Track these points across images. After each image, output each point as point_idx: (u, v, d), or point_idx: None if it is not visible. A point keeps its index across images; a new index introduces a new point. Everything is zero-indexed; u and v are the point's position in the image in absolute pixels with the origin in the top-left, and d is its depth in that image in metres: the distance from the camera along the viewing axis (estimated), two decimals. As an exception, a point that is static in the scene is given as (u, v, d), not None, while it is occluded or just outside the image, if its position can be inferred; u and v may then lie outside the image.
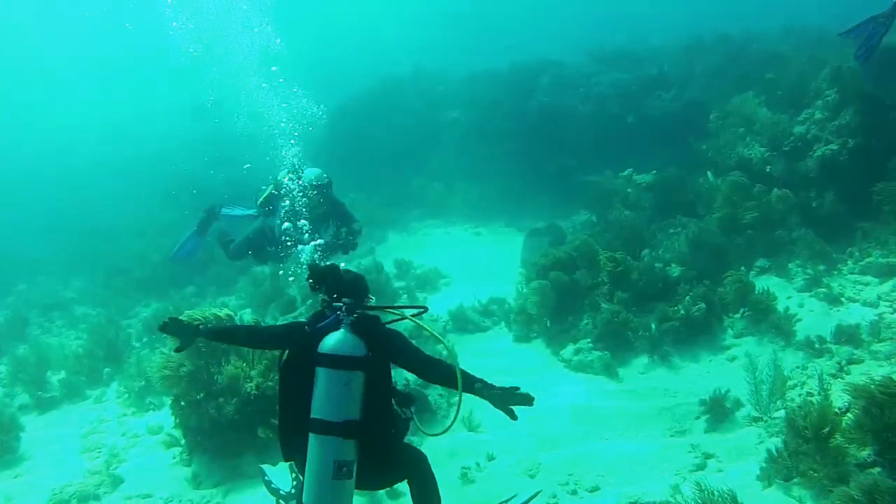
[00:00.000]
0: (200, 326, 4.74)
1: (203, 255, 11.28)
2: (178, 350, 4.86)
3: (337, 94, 23.53)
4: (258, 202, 8.59)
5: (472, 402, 8.06)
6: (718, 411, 6.79)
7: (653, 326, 8.59)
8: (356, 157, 19.48)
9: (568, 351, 8.69)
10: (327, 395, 3.78)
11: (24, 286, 16.81)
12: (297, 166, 8.38)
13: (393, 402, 4.19)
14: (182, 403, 7.20)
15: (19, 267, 17.55)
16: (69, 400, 9.86)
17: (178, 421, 7.31)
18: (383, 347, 3.95)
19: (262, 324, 8.91)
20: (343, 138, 20.35)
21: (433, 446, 6.98)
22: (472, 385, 3.90)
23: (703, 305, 8.45)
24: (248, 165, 9.16)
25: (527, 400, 3.81)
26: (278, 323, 8.49)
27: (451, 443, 7.13)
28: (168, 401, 7.69)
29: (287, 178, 8.27)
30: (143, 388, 9.11)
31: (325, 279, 4.17)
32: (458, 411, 4.16)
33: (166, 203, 18.33)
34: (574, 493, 6.02)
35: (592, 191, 13.93)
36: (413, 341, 4.17)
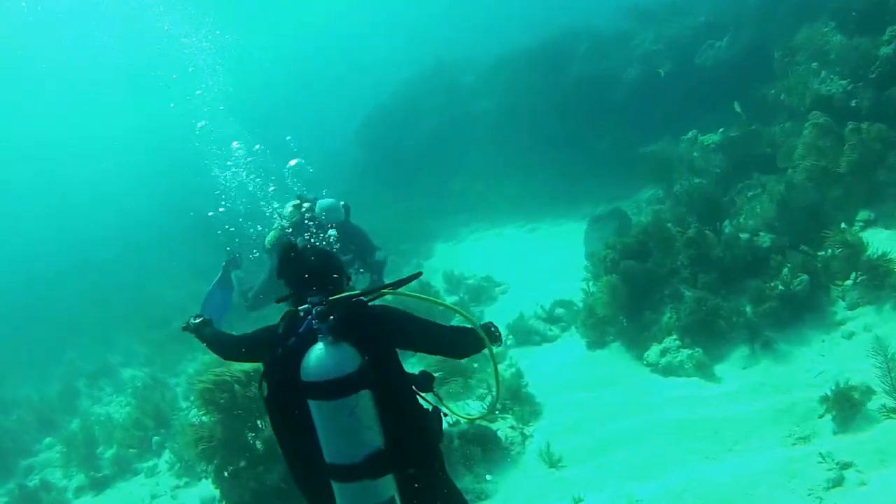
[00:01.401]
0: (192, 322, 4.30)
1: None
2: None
3: (361, 107, 23.17)
4: (266, 245, 8.01)
5: (547, 433, 7.39)
6: (845, 405, 5.81)
7: (748, 310, 7.66)
8: (390, 167, 19.09)
9: (652, 353, 7.82)
10: (334, 435, 3.04)
11: (73, 353, 16.86)
12: (304, 196, 7.79)
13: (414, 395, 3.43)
14: (225, 474, 6.65)
15: (64, 332, 17.62)
16: (121, 476, 9.75)
17: (221, 493, 6.75)
18: (381, 339, 3.22)
19: None
20: (373, 150, 20.02)
21: (509, 494, 6.29)
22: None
23: (804, 277, 7.47)
24: (221, 209, 8.71)
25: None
26: None
27: (529, 486, 6.38)
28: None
29: (293, 208, 7.69)
30: (211, 451, 8.72)
31: (284, 264, 3.42)
32: (498, 390, 3.91)
33: (191, 244, 18.17)
34: (684, 533, 5.18)
35: (653, 162, 13.00)
36: None
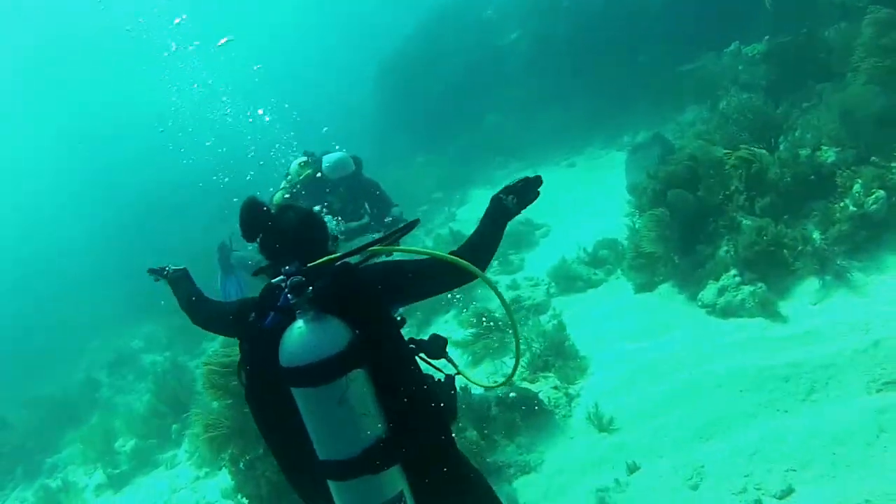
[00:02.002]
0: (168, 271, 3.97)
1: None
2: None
3: (376, 55, 22.26)
4: (276, 203, 7.44)
5: (595, 392, 6.73)
6: (941, 340, 5.04)
7: (815, 236, 6.81)
8: (414, 115, 18.33)
9: (708, 292, 7.04)
10: (325, 427, 2.58)
11: (97, 342, 16.74)
12: (311, 152, 7.14)
13: (420, 367, 2.95)
14: (241, 465, 6.17)
15: (88, 320, 17.51)
16: (141, 470, 9.44)
17: (236, 485, 6.29)
18: (373, 304, 2.76)
19: None
20: (394, 98, 19.22)
21: (557, 465, 5.69)
22: (488, 229, 3.12)
23: (880, 193, 6.56)
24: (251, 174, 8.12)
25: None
26: None
27: (579, 452, 5.76)
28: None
29: (300, 167, 7.06)
30: (221, 440, 8.31)
31: (254, 228, 2.91)
32: (517, 342, 3.24)
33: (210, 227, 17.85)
34: (758, 503, 4.48)
35: (695, 80, 11.98)
36: None
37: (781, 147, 8.14)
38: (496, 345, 8.08)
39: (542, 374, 6.98)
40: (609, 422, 5.89)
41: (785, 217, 7.22)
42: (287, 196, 7.22)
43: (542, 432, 6.15)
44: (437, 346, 3.10)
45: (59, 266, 22.25)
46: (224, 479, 7.77)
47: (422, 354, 3.06)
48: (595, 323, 7.93)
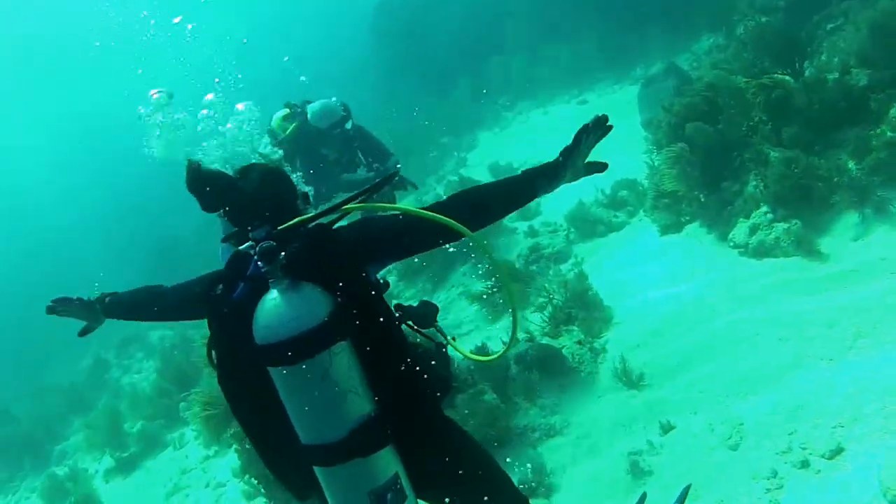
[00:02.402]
0: (98, 300, 3.39)
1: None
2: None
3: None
4: None
5: (623, 345, 6.39)
6: None
7: (851, 167, 6.34)
8: (414, 60, 17.70)
9: (739, 231, 6.62)
10: (308, 408, 2.33)
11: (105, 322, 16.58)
12: (292, 103, 6.70)
13: (407, 334, 2.72)
14: (247, 445, 5.93)
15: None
16: (150, 454, 9.32)
17: (242, 465, 6.07)
18: (355, 266, 2.47)
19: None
20: (393, 43, 18.57)
21: (584, 426, 5.39)
22: (512, 188, 2.77)
23: (921, 115, 6.09)
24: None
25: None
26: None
27: (607, 412, 5.45)
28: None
29: (283, 120, 6.64)
30: (220, 418, 8.05)
31: (215, 198, 2.58)
32: (514, 319, 2.92)
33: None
34: (805, 464, 4.14)
35: (708, 4, 11.31)
36: None
37: (806, 73, 7.60)
38: (517, 289, 7.72)
39: (564, 327, 6.63)
40: (639, 378, 5.56)
41: (816, 146, 6.74)
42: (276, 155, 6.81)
43: (567, 392, 5.84)
44: (426, 314, 2.83)
45: (62, 253, 22.03)
46: (234, 459, 7.58)
47: (410, 322, 2.80)
48: (619, 269, 7.55)
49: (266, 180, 2.65)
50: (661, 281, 6.86)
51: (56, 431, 12.09)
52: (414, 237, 2.60)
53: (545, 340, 6.47)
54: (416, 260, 10.16)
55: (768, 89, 7.06)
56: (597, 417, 5.41)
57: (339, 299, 2.34)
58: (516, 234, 9.70)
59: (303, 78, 7.98)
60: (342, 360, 2.30)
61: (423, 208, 2.55)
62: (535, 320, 6.81)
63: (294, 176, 2.83)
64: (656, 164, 7.96)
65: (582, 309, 6.71)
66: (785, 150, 6.70)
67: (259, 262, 2.37)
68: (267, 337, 2.28)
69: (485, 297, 7.94)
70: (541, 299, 7.04)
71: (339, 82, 20.82)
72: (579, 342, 6.29)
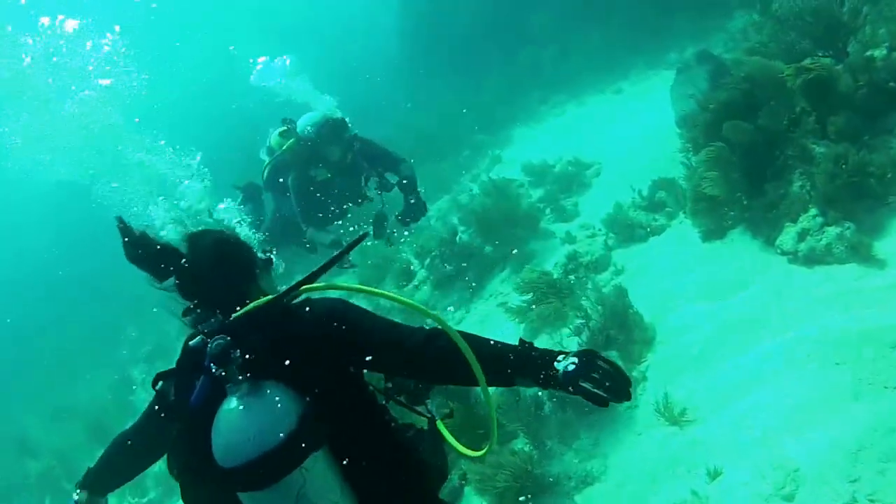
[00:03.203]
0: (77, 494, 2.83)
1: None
2: None
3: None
4: (263, 180, 6.73)
5: (664, 371, 5.98)
6: None
7: (908, 158, 5.80)
8: (443, 56, 17.27)
9: (787, 236, 6.10)
10: None
11: (134, 331, 16.59)
12: (290, 119, 6.44)
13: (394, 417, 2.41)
14: None
15: (128, 303, 17.24)
16: (169, 499, 9.11)
17: None
18: (326, 352, 2.17)
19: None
20: (418, 39, 18.24)
21: (623, 471, 5.01)
22: (520, 371, 2.18)
23: None
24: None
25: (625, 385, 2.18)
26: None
27: (648, 453, 5.06)
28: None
29: (281, 136, 6.42)
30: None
31: (160, 264, 2.27)
32: (495, 432, 2.44)
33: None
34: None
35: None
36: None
37: (851, 52, 7.01)
38: (551, 313, 7.36)
39: (603, 352, 6.22)
40: (682, 412, 5.15)
41: (865, 137, 6.19)
42: (270, 168, 6.55)
43: (605, 430, 5.46)
44: (418, 393, 2.56)
45: (85, 265, 22.12)
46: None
47: (400, 398, 2.53)
48: (660, 279, 7.11)
49: (219, 252, 2.36)
50: (705, 292, 6.41)
51: (76, 467, 12.04)
52: (391, 328, 2.28)
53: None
54: (448, 267, 9.83)
55: (808, 74, 6.52)
56: (637, 460, 5.03)
57: (308, 399, 2.06)
58: (553, 238, 9.31)
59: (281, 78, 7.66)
60: (317, 472, 2.01)
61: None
62: (571, 345, 6.43)
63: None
64: (693, 163, 7.46)
65: (621, 330, 6.31)
66: (832, 145, 6.18)
67: (215, 370, 2.06)
68: (228, 459, 1.99)
69: (522, 313, 7.59)
70: (578, 321, 6.64)
71: (365, 83, 20.58)
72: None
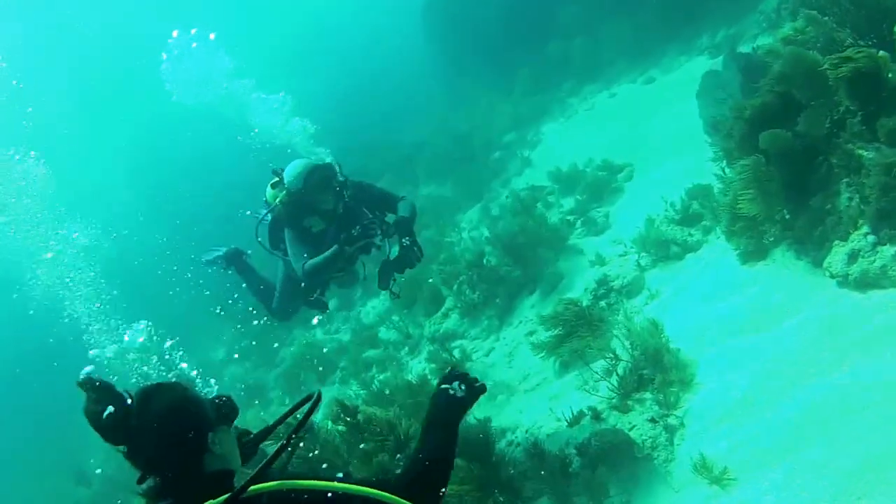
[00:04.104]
0: None
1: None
2: None
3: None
4: (268, 241, 6.40)
5: (704, 419, 5.45)
6: None
7: (971, 164, 5.15)
8: (470, 53, 16.85)
9: (836, 258, 5.49)
10: None
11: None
12: (279, 170, 6.10)
13: None
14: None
15: (173, 323, 17.28)
16: None
17: None
18: None
19: None
20: (446, 36, 17.80)
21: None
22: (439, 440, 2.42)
23: None
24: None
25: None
26: None
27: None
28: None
29: (272, 189, 6.11)
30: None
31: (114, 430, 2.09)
32: None
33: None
34: None
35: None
36: None
37: (898, 37, 6.32)
38: (582, 347, 6.88)
39: (635, 395, 5.74)
40: (724, 471, 4.64)
41: (923, 140, 5.54)
42: (268, 229, 6.23)
43: (639, 488, 5.00)
44: None
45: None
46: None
47: None
48: (698, 305, 6.58)
49: (167, 421, 2.11)
50: (748, 323, 5.86)
51: (128, 498, 11.99)
52: None
53: (613, 417, 5.60)
54: (475, 294, 9.44)
55: (851, 65, 5.86)
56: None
57: None
58: (582, 256, 8.81)
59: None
60: None
61: (364, 483, 2.07)
62: (601, 389, 5.94)
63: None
64: (728, 174, 6.86)
65: (656, 369, 5.79)
66: (883, 149, 5.54)
67: None
68: None
69: (550, 348, 7.14)
70: (602, 361, 6.16)
71: (392, 86, 20.21)
72: (653, 419, 5.38)
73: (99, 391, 2.10)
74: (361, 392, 9.04)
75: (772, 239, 6.37)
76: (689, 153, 8.91)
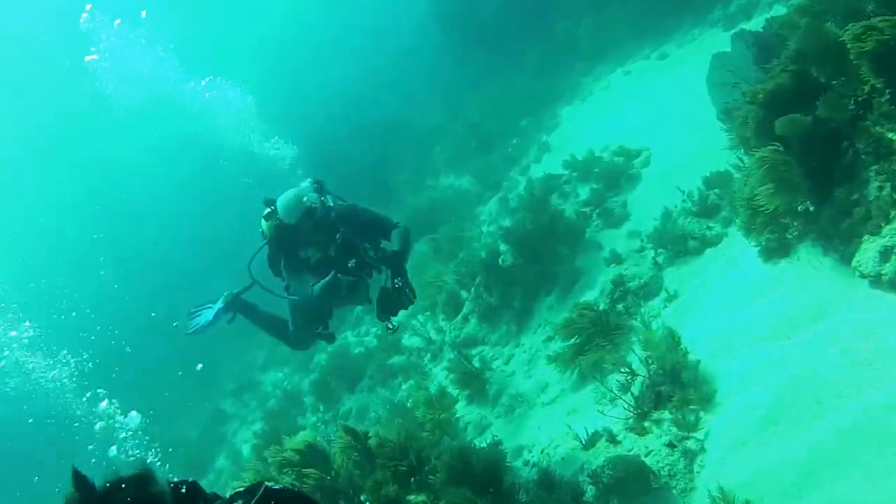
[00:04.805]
0: None
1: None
2: None
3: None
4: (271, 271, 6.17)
5: (725, 441, 4.99)
6: None
7: None
8: (479, 39, 16.45)
9: (867, 255, 4.96)
10: None
11: (224, 362, 16.75)
12: (271, 200, 5.84)
13: None
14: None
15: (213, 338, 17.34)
16: None
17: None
18: None
19: None
20: (455, 23, 17.41)
21: None
22: None
23: None
24: None
25: None
26: None
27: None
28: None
29: (264, 220, 5.90)
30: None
31: None
32: None
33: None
34: None
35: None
36: None
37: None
38: (598, 360, 6.48)
39: (653, 414, 5.33)
40: (747, 504, 4.21)
41: (960, 118, 5.01)
42: (267, 261, 6.00)
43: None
44: None
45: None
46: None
47: None
48: (718, 309, 6.12)
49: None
50: (772, 328, 5.40)
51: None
52: None
53: (629, 439, 5.20)
54: (492, 299, 9.10)
55: (876, 36, 5.31)
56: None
57: None
58: (599, 254, 8.37)
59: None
60: None
61: None
62: (618, 407, 5.54)
63: None
64: (745, 163, 6.35)
65: (675, 385, 5.37)
66: (912, 131, 5.03)
67: None
68: None
69: (565, 360, 6.77)
70: (618, 374, 5.76)
71: (401, 77, 19.79)
72: (671, 444, 4.96)
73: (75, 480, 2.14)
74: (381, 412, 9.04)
75: (795, 234, 5.87)
76: (707, 133, 8.38)
